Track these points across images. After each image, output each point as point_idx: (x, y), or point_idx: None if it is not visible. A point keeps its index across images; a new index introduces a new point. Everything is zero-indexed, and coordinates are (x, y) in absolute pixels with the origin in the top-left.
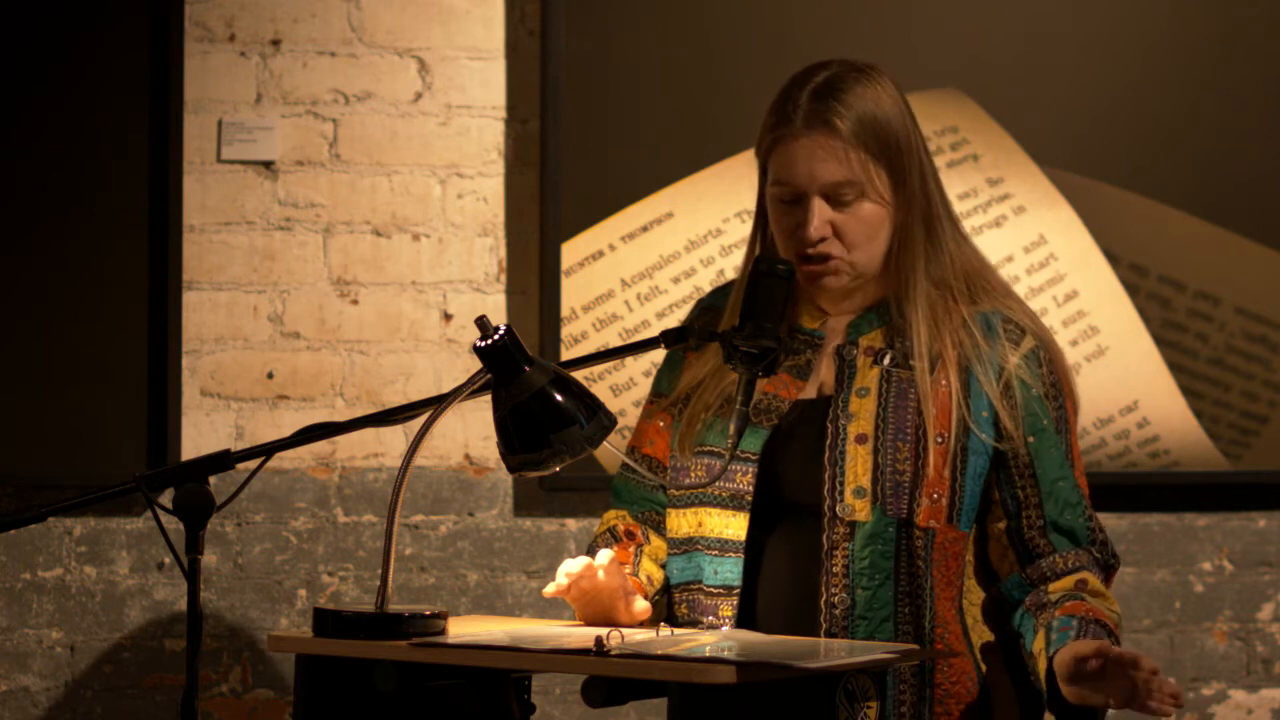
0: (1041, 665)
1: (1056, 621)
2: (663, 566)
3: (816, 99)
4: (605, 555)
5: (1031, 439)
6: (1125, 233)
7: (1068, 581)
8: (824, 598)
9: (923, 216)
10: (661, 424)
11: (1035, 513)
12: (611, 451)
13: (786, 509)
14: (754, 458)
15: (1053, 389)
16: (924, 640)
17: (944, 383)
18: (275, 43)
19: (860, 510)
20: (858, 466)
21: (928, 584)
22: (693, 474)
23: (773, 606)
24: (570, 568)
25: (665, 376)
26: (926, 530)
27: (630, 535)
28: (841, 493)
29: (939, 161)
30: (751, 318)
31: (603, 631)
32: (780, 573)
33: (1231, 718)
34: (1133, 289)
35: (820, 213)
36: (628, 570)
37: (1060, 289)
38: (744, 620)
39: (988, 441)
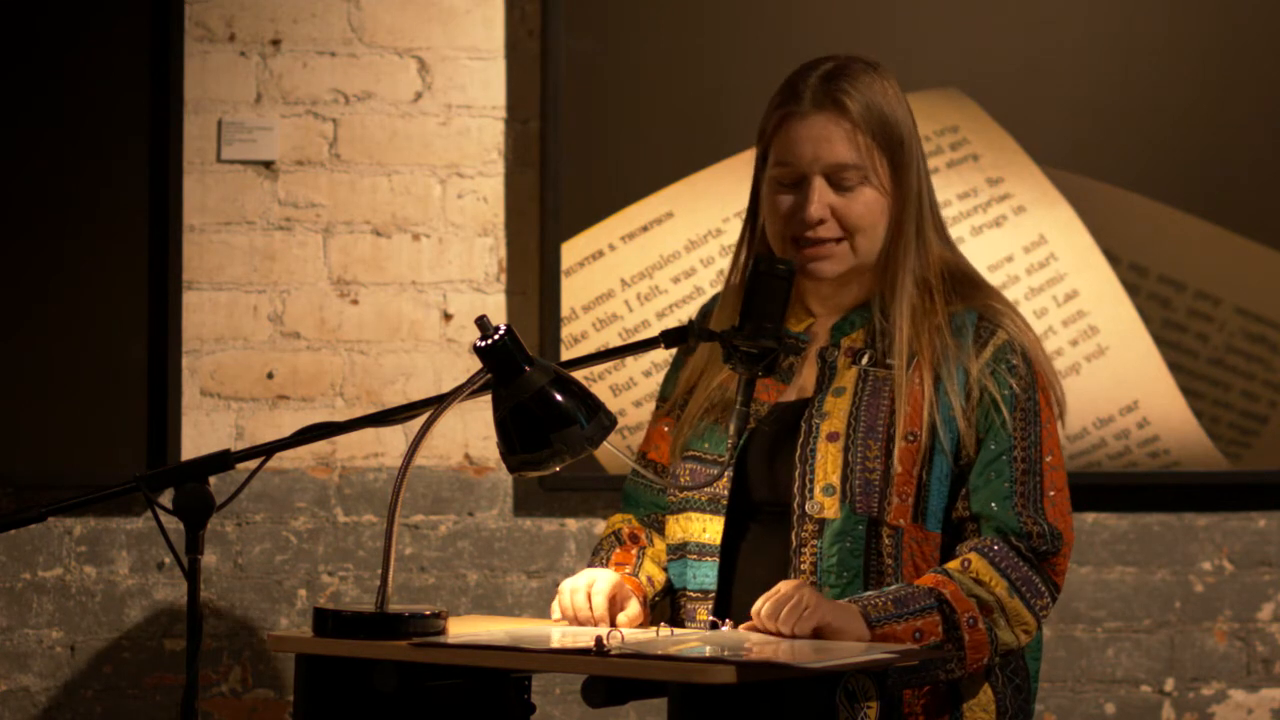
0: None
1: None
2: (665, 569)
3: (826, 81)
4: (602, 595)
5: (983, 437)
6: (1125, 233)
7: (954, 562)
8: None
9: (916, 215)
10: (665, 429)
11: (963, 504)
12: (612, 451)
13: (759, 510)
14: (729, 461)
15: (1023, 381)
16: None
17: (918, 381)
18: (275, 43)
19: (829, 507)
20: (828, 464)
21: (897, 583)
22: (681, 480)
23: (746, 608)
24: (571, 600)
25: (669, 381)
26: (895, 529)
27: (634, 538)
28: (811, 490)
29: (939, 161)
30: (751, 318)
31: (603, 631)
32: (753, 574)
33: (1231, 718)
34: (1133, 289)
35: (821, 194)
36: (628, 570)
37: (1060, 289)
38: None
39: (950, 444)
